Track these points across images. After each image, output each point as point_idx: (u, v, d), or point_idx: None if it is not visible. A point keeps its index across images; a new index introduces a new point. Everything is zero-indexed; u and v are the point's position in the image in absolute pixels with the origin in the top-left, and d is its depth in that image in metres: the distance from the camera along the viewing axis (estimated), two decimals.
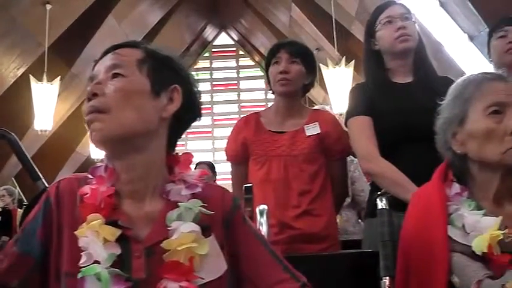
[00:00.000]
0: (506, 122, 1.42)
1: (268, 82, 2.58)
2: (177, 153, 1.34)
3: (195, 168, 5.03)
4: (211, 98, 17.73)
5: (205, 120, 17.47)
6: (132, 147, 1.22)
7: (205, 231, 1.22)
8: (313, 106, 4.79)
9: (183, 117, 1.31)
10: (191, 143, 16.73)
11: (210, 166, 5.77)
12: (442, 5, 9.72)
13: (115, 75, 1.23)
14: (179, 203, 1.22)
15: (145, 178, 1.25)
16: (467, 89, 1.51)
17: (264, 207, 1.97)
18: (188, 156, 1.33)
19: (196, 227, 1.19)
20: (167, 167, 1.30)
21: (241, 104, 16.73)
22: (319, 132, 2.48)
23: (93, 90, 1.22)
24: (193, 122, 1.37)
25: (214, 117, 16.94)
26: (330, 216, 2.50)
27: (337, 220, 3.46)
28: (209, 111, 17.18)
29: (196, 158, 7.59)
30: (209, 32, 17.99)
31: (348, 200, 3.62)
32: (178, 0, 13.57)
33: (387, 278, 1.55)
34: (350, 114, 2.26)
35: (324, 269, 1.95)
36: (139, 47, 1.30)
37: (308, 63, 2.56)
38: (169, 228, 1.20)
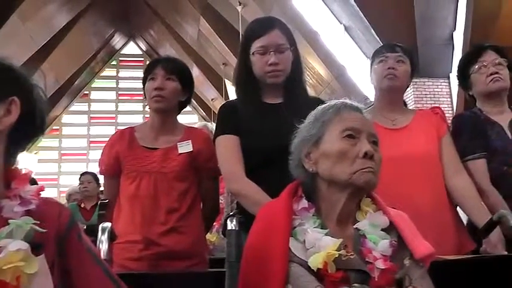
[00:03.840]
0: (360, 146, 1.50)
1: (144, 97, 2.56)
2: (15, 167, 1.29)
3: (79, 179, 4.86)
4: (116, 108, 17.49)
5: (109, 130, 17.19)
6: None
7: (36, 249, 1.18)
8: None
9: (23, 129, 1.27)
10: (93, 153, 16.40)
11: (94, 177, 5.71)
12: (347, 30, 10.07)
13: None
14: (9, 220, 1.18)
15: None
16: (327, 113, 1.58)
17: (107, 225, 1.94)
18: (26, 171, 1.29)
19: (25, 245, 1.15)
20: (4, 181, 1.25)
21: (146, 115, 16.55)
22: (192, 150, 2.47)
23: None
24: (36, 135, 1.32)
25: (118, 127, 16.66)
26: (198, 234, 2.50)
27: (215, 237, 3.48)
28: (113, 120, 16.96)
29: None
30: (117, 40, 17.78)
31: None
32: (87, 5, 13.33)
33: None
34: (218, 132, 2.24)
35: (185, 287, 1.95)
36: None
37: (184, 80, 2.54)
38: None
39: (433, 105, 9.72)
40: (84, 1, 13.03)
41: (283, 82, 2.26)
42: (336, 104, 1.60)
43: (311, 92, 12.02)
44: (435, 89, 9.74)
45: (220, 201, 4.25)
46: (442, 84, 9.74)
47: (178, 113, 2.63)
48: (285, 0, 10.19)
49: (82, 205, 5.71)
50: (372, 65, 2.59)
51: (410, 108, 9.53)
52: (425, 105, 9.51)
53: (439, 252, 2.16)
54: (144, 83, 2.55)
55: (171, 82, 2.48)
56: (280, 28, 2.27)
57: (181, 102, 2.58)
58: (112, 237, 1.95)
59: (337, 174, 1.50)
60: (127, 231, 2.39)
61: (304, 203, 1.53)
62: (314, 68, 11.28)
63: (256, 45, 2.22)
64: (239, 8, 10.79)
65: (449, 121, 2.64)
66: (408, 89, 9.42)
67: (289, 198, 1.54)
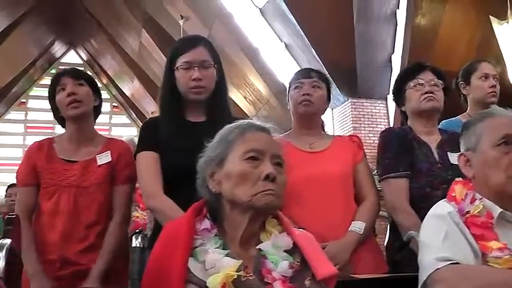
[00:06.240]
0: (262, 168, 1.50)
1: (54, 114, 2.52)
2: None
3: (6, 190, 4.67)
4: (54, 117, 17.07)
5: None
6: None
7: None
8: None
9: None
10: None
11: None
12: (287, 48, 10.14)
13: None
14: None
15: None
16: (232, 133, 1.58)
17: (6, 241, 1.83)
18: None
19: None
20: None
21: None
22: (110, 160, 2.44)
23: None
24: None
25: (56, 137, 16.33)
26: None
27: None
28: (51, 131, 16.51)
29: None
30: (57, 48, 17.40)
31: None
32: (26, 11, 13.02)
33: None
34: (139, 149, 2.24)
35: None
36: None
37: (94, 85, 2.54)
38: None
39: (370, 125, 9.96)
40: (24, 7, 12.72)
41: (206, 100, 2.27)
42: (242, 124, 1.61)
43: (250, 108, 12.04)
44: (373, 110, 9.93)
45: (143, 217, 4.20)
46: (380, 105, 9.93)
47: (94, 122, 2.59)
48: (227, 15, 10.22)
49: None
50: (288, 91, 2.61)
51: (347, 128, 9.69)
52: (362, 125, 9.68)
53: (352, 270, 2.19)
54: (51, 99, 2.49)
55: (82, 87, 2.46)
56: (205, 46, 2.29)
57: (96, 107, 2.55)
58: (15, 256, 1.81)
59: (238, 196, 1.49)
60: (43, 250, 2.31)
61: (206, 223, 1.52)
62: (254, 84, 11.33)
63: (181, 61, 2.24)
64: (181, 22, 10.77)
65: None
66: (347, 108, 9.55)
67: (192, 218, 1.53)
